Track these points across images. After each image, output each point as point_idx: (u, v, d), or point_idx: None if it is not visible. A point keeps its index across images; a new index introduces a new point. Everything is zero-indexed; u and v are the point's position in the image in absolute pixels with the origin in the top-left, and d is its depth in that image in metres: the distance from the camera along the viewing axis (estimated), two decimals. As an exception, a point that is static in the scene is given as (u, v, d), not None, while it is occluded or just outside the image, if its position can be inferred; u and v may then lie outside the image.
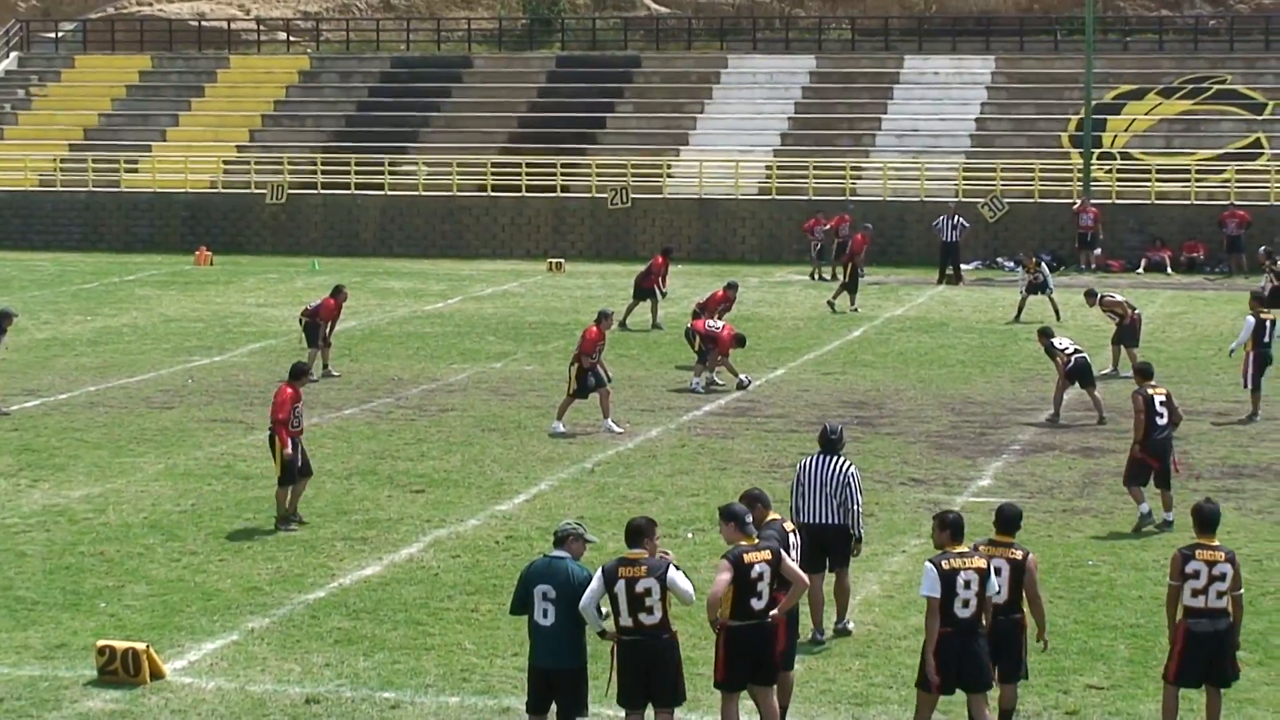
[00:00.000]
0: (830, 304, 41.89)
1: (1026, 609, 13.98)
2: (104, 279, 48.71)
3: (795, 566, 13.68)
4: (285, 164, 58.03)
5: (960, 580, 13.29)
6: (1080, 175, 53.26)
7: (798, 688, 14.81)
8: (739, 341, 31.02)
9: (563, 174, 56.57)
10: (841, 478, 16.46)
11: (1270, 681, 15.62)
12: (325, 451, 24.62)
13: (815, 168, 55.20)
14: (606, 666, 13.52)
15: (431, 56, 66.27)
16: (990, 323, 40.04)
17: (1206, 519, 13.97)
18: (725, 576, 13.19)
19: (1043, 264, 41.40)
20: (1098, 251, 51.25)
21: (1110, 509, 21.91)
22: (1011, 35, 64.09)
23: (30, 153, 60.26)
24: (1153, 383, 21.45)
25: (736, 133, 58.61)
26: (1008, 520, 14.11)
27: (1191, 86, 57.90)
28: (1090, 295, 33.40)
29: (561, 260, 52.39)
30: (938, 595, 13.27)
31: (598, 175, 56.28)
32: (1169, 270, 50.76)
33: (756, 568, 13.26)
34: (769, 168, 55.93)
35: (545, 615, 13.01)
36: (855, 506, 16.52)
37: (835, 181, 54.97)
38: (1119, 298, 32.88)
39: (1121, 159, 55.20)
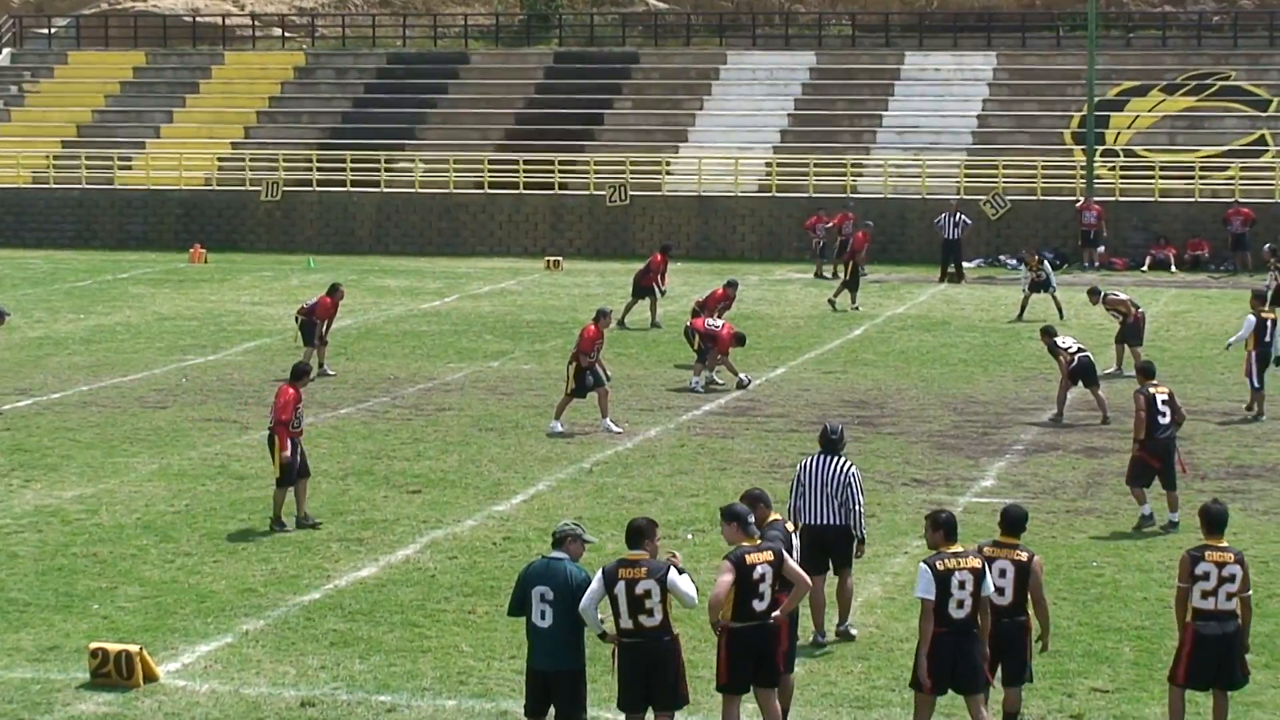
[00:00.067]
0: (831, 302, 41.78)
1: (1031, 611, 13.94)
2: (97, 277, 48.56)
3: (798, 567, 13.63)
4: (280, 161, 57.83)
5: (955, 581, 13.27)
6: (1083, 172, 53.11)
7: (799, 690, 14.78)
8: (739, 340, 30.91)
9: (560, 171, 56.41)
10: (842, 478, 16.43)
11: (1277, 685, 15.55)
12: (321, 451, 24.50)
13: (815, 165, 55.04)
14: (605, 669, 13.42)
15: (428, 52, 66.12)
16: (993, 321, 39.92)
17: (1215, 520, 13.92)
18: (727, 578, 13.16)
19: (1045, 262, 41.23)
20: (1101, 249, 51.11)
21: (1114, 509, 21.84)
22: (1013, 31, 63.92)
23: (23, 149, 60.08)
24: (1155, 382, 21.43)
25: (736, 129, 58.46)
26: (1013, 522, 14.13)
27: (1195, 83, 57.74)
28: (1093, 293, 33.32)
29: (559, 258, 52.28)
30: (932, 597, 13.26)
31: (596, 172, 56.10)
32: (1173, 268, 50.59)
33: (758, 569, 13.23)
34: (769, 165, 55.76)
35: (543, 617, 12.95)
36: (857, 507, 16.49)
37: (836, 179, 54.81)
38: (1122, 296, 32.83)
39: (1125, 156, 55.03)
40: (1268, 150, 54.76)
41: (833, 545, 16.45)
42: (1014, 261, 50.41)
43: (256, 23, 69.47)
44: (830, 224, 49.14)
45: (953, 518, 13.64)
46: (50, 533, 20.54)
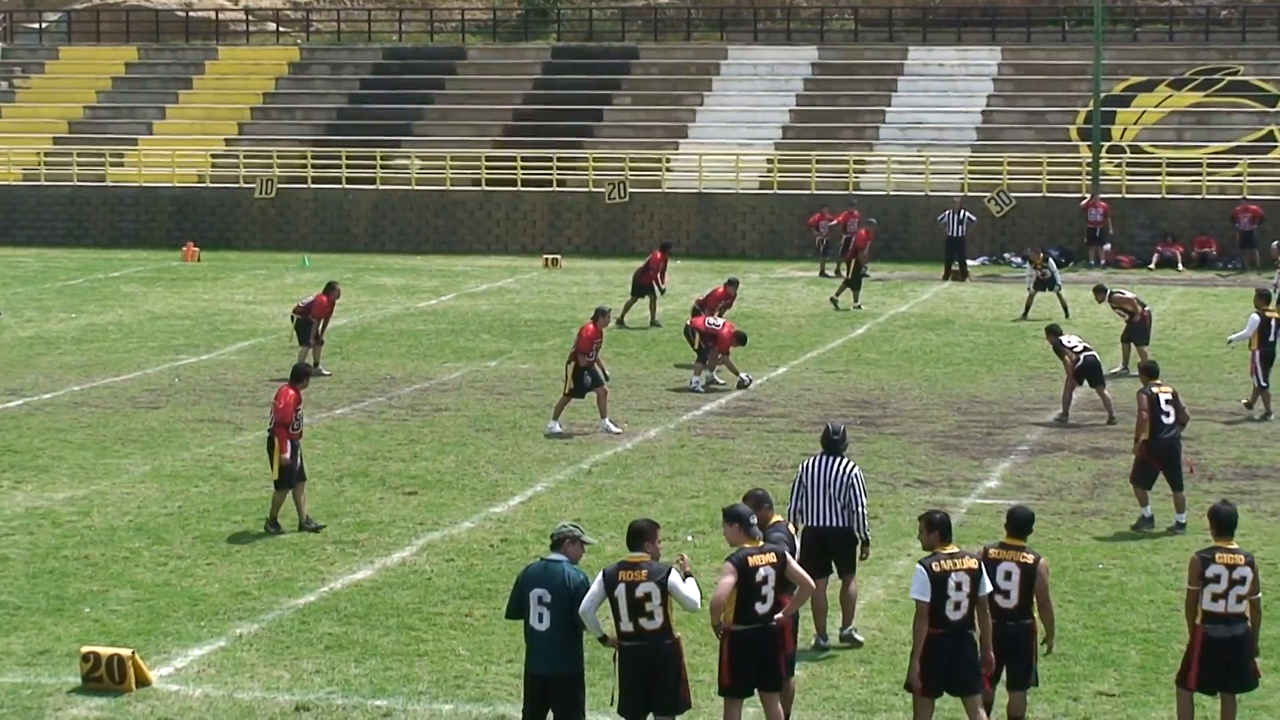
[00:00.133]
0: (833, 301, 41.67)
1: (1037, 614, 13.89)
2: (89, 275, 48.43)
3: (800, 569, 13.59)
4: (275, 158, 57.67)
5: (951, 582, 13.25)
6: (1089, 169, 52.94)
7: (801, 695, 14.77)
8: (740, 339, 30.80)
9: (559, 168, 56.28)
10: (845, 479, 16.39)
11: (1287, 688, 15.40)
12: (316, 452, 24.42)
13: (817, 161, 54.87)
14: (605, 673, 13.30)
15: (424, 47, 66.01)
16: (997, 320, 39.81)
17: (1224, 521, 13.91)
18: (729, 580, 13.15)
19: (1050, 260, 41.05)
20: (1107, 247, 50.97)
21: (1121, 511, 21.78)
22: (1018, 25, 63.79)
23: (14, 146, 59.95)
24: (1158, 381, 21.42)
25: (737, 125, 58.32)
26: (1019, 523, 14.12)
27: (1203, 78, 57.56)
28: (1099, 291, 33.22)
29: (558, 256, 52.16)
30: (928, 599, 13.24)
31: (595, 169, 55.94)
32: (1180, 266, 50.39)
33: (761, 571, 13.22)
34: (770, 161, 55.60)
35: (541, 620, 12.89)
36: (860, 509, 16.45)
37: (838, 176, 54.64)
38: (1129, 294, 32.75)
39: (1131, 152, 54.85)
40: (1276, 146, 54.58)
41: (835, 547, 16.39)
42: (1019, 259, 50.19)
43: (250, 17, 69.36)
44: (835, 221, 48.90)
45: (947, 517, 13.60)
46: (41, 535, 20.48)
